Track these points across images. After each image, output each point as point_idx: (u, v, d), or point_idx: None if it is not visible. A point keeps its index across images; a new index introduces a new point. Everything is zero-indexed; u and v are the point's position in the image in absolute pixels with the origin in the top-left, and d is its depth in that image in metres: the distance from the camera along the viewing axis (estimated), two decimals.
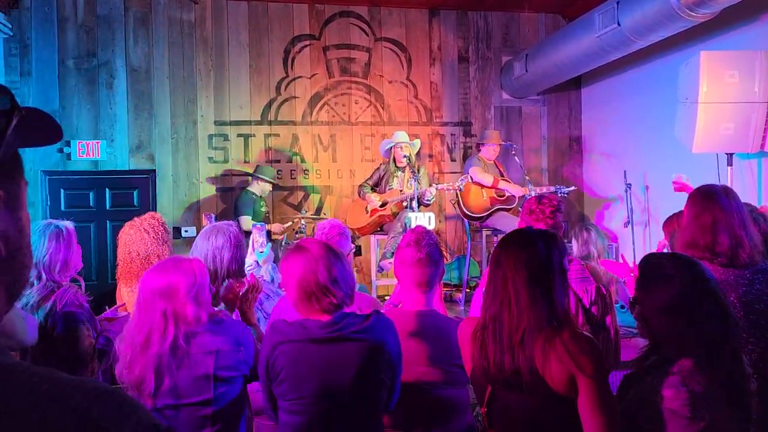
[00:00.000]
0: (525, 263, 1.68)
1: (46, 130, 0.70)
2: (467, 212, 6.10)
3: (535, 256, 1.69)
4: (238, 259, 2.67)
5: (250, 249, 3.39)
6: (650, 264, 1.78)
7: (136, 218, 3.20)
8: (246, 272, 2.94)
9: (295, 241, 2.07)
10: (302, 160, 7.14)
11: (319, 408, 1.87)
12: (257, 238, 3.68)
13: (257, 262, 3.59)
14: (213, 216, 5.56)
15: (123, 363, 2.02)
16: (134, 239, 3.09)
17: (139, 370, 1.96)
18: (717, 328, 1.63)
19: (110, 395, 0.57)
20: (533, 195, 4.39)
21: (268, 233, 6.01)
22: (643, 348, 1.85)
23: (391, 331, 1.95)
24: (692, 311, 1.64)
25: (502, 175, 6.21)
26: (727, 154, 4.72)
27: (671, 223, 3.32)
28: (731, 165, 4.72)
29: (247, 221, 5.87)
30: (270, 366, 1.91)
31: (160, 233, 3.14)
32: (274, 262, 3.77)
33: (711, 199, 2.32)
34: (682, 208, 2.51)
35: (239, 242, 2.69)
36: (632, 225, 6.09)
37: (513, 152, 6.18)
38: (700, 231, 2.27)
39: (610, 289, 2.70)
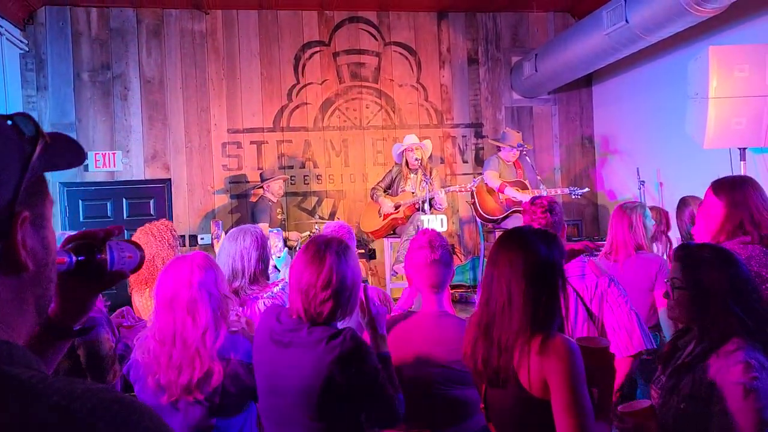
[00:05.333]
0: (522, 265, 1.66)
1: (69, 154, 0.74)
2: (483, 215, 6.11)
3: (533, 257, 1.68)
4: (264, 259, 2.75)
5: (269, 250, 3.45)
6: (691, 252, 1.86)
7: (146, 224, 3.25)
8: (269, 275, 3.00)
9: (317, 234, 2.06)
10: (315, 166, 7.20)
11: (272, 403, 1.91)
12: (275, 243, 3.74)
13: (276, 267, 3.65)
14: (221, 223, 5.72)
15: (164, 361, 2.01)
16: (152, 243, 3.11)
17: (201, 364, 1.98)
18: (760, 306, 1.74)
19: (118, 404, 0.57)
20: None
21: (285, 240, 6.08)
22: (670, 340, 1.94)
23: (355, 355, 1.80)
24: (739, 292, 1.73)
25: (522, 178, 6.20)
26: (739, 148, 4.69)
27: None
28: (744, 159, 4.68)
29: (264, 228, 5.93)
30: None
31: (166, 237, 3.16)
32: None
33: (746, 186, 2.45)
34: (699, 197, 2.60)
35: (265, 243, 2.77)
36: None
37: (524, 152, 6.18)
38: (749, 215, 2.37)
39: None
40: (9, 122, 0.65)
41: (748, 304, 1.72)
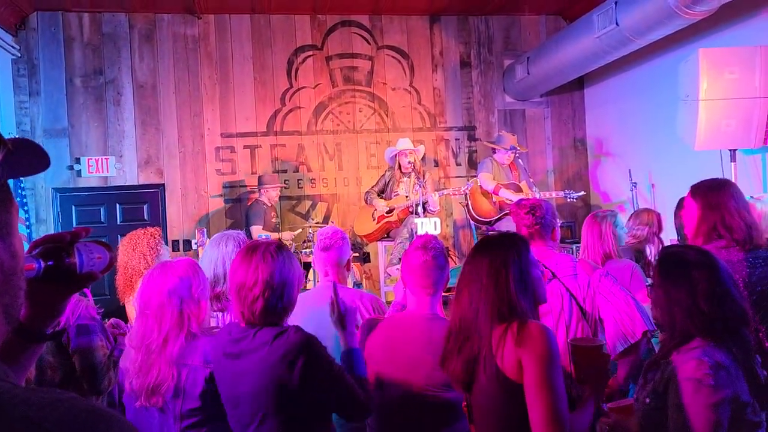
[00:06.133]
0: (492, 266, 1.78)
1: (33, 160, 0.74)
2: (477, 217, 6.13)
3: (489, 258, 1.79)
4: None
5: None
6: (672, 253, 1.91)
7: (131, 233, 3.24)
8: None
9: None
10: (308, 170, 7.21)
11: (238, 416, 1.91)
12: None
13: None
14: (205, 230, 5.77)
15: (135, 368, 2.03)
16: (119, 252, 3.14)
17: (158, 370, 2.00)
18: (736, 308, 1.77)
19: (86, 413, 0.57)
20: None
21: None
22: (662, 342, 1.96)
23: (304, 350, 1.82)
24: (710, 295, 1.76)
25: (517, 180, 6.22)
26: (730, 150, 4.73)
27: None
28: (735, 161, 4.72)
29: (257, 231, 5.94)
30: None
31: (140, 248, 3.15)
32: None
33: (722, 189, 2.49)
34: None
35: None
36: None
37: (517, 155, 6.21)
38: (728, 214, 2.41)
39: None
40: None
41: (717, 306, 1.75)
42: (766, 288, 2.34)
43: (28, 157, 0.73)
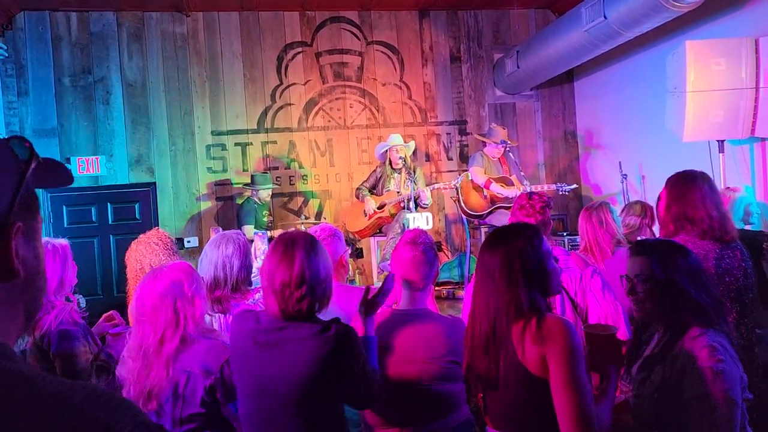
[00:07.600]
0: (505, 261, 1.73)
1: (58, 174, 0.83)
2: (468, 210, 6.16)
3: (514, 253, 1.73)
4: (247, 266, 2.72)
5: (252, 256, 3.43)
6: (651, 246, 1.93)
7: (141, 235, 3.22)
8: (252, 280, 2.99)
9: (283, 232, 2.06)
10: (300, 166, 7.21)
11: (260, 405, 1.88)
12: (259, 246, 3.72)
13: (259, 270, 3.65)
14: (220, 229, 5.72)
15: (133, 376, 2.02)
16: (145, 253, 3.08)
17: (155, 372, 2.00)
18: (716, 290, 1.82)
19: (107, 396, 0.66)
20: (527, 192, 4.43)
21: (271, 240, 6.08)
22: (633, 334, 1.97)
23: (347, 343, 1.84)
24: (697, 282, 1.79)
25: (507, 174, 6.24)
26: (718, 141, 4.76)
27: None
28: (723, 152, 4.76)
29: (249, 230, 5.93)
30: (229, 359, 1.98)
31: (168, 245, 3.17)
32: None
33: (695, 179, 2.51)
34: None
35: (248, 250, 2.75)
36: None
37: (508, 149, 6.22)
38: (691, 206, 2.43)
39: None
40: (5, 143, 0.72)
41: (707, 291, 1.79)
42: (732, 279, 2.37)
43: (54, 171, 0.82)
